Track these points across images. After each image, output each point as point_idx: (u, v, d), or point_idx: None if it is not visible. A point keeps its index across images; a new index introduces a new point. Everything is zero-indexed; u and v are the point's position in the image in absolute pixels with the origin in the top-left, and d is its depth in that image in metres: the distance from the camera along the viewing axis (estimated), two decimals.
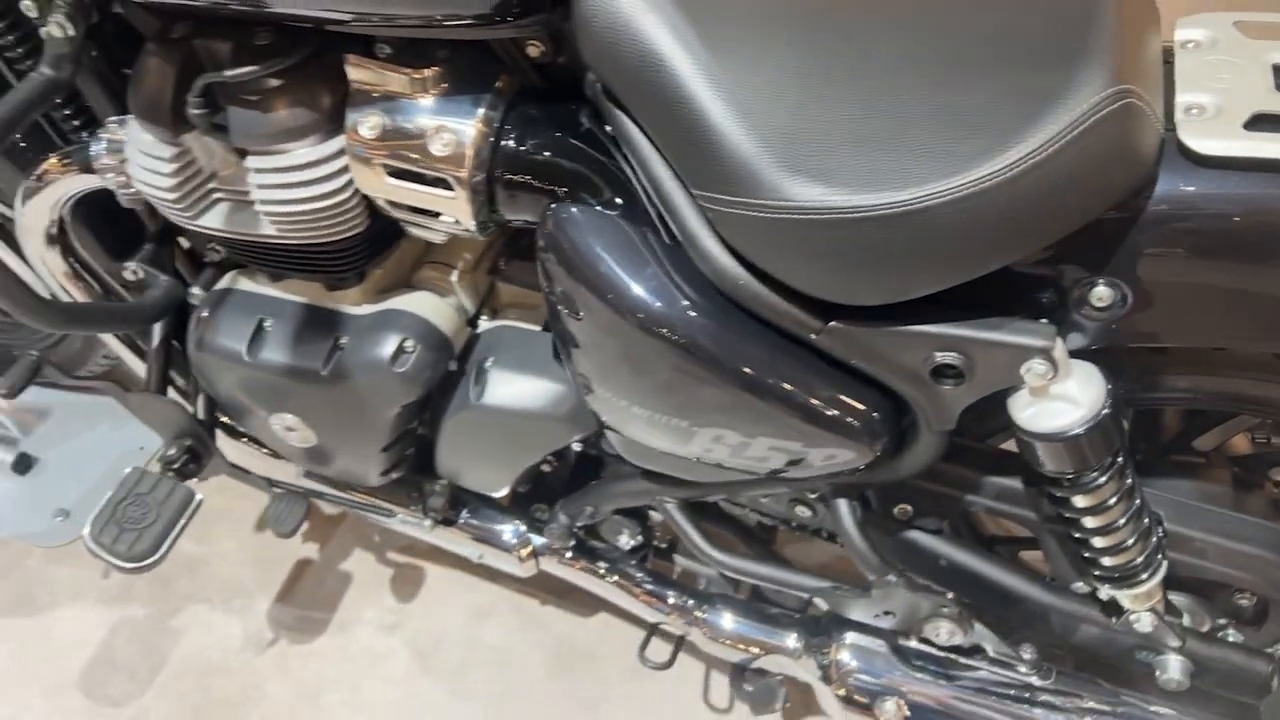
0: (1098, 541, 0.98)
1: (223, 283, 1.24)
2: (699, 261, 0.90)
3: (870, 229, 0.77)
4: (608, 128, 0.94)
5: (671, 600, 1.38)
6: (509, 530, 1.43)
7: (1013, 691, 1.20)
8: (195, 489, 1.34)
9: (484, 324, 1.24)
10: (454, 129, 0.94)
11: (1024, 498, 1.07)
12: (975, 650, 1.22)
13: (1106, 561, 1.00)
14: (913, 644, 1.24)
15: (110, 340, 1.44)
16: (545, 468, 1.39)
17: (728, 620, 1.34)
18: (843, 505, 1.11)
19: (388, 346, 1.14)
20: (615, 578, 1.41)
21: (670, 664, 1.44)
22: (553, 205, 0.95)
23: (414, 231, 1.08)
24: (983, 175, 0.73)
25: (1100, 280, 0.83)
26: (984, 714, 1.19)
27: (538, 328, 1.22)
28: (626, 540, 1.40)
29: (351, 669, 1.67)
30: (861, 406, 0.94)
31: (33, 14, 1.04)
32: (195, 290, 1.26)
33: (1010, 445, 1.11)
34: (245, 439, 1.44)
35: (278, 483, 1.49)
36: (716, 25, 0.83)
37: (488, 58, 0.97)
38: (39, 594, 1.78)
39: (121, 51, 1.09)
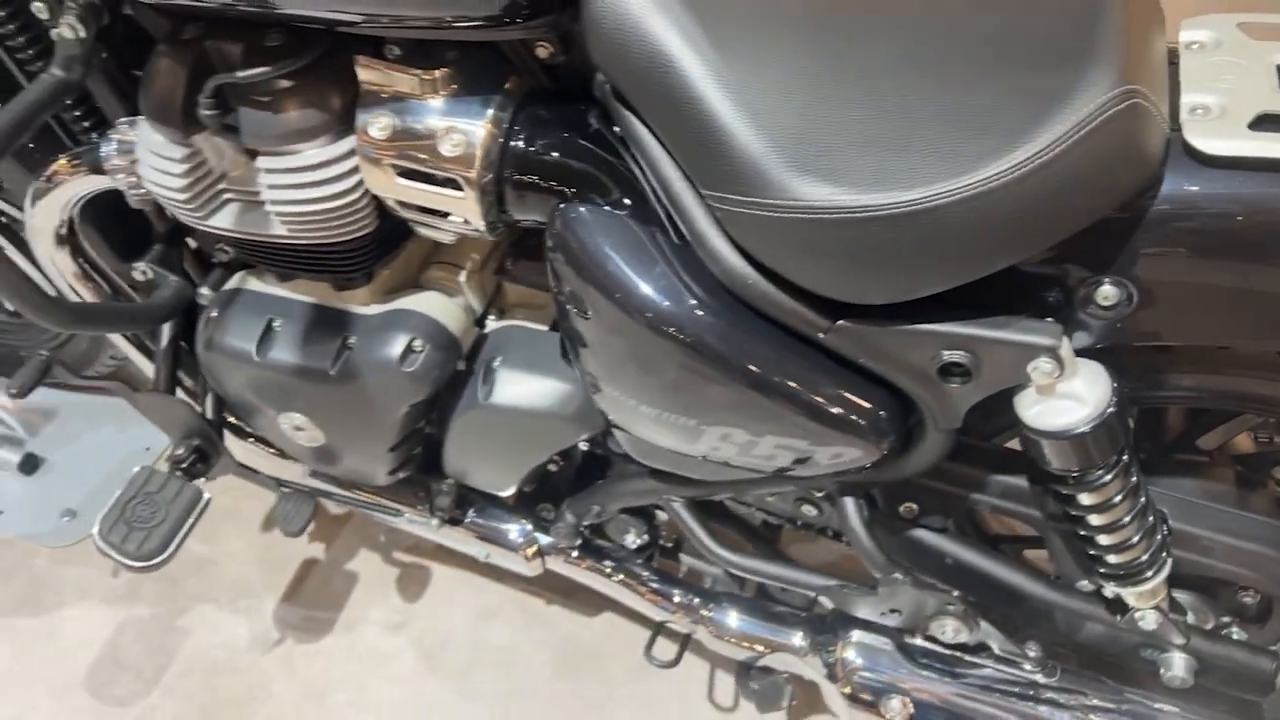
0: (1103, 539, 0.99)
1: (231, 283, 1.25)
2: (707, 261, 0.90)
3: (878, 228, 0.77)
4: (616, 128, 0.95)
5: (677, 599, 1.39)
6: (515, 529, 1.44)
7: (1018, 689, 1.20)
8: (203, 488, 1.35)
9: (491, 324, 1.25)
10: (464, 130, 0.95)
11: (1029, 496, 1.07)
12: (980, 648, 1.23)
13: (1112, 559, 1.00)
14: (918, 642, 1.25)
15: (119, 340, 1.44)
16: (551, 467, 1.40)
17: (734, 618, 1.35)
18: (849, 504, 1.12)
19: (396, 346, 1.14)
20: (621, 576, 1.42)
21: (676, 662, 1.45)
22: (561, 205, 0.96)
23: (423, 231, 1.08)
24: (990, 175, 0.74)
25: (1106, 279, 0.83)
26: (989, 711, 1.20)
27: (544, 328, 1.22)
28: (632, 539, 1.40)
29: (358, 668, 1.67)
30: (868, 405, 0.94)
31: (44, 16, 1.05)
32: (204, 291, 1.27)
33: (1015, 444, 1.12)
34: (252, 439, 1.45)
35: (285, 482, 1.50)
36: (725, 27, 0.84)
37: (497, 59, 0.98)
38: (45, 594, 1.79)
39: (131, 53, 1.10)
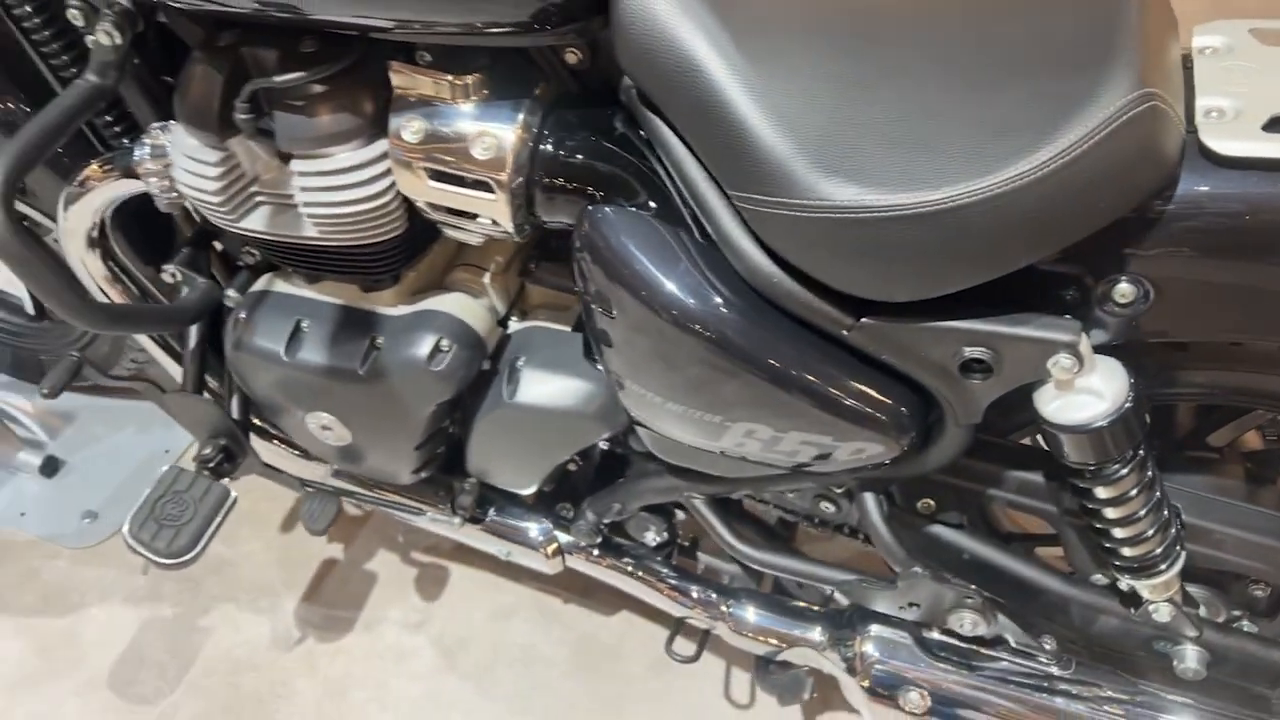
0: (1119, 532, 1.01)
1: (259, 285, 1.27)
2: (733, 260, 0.92)
3: (904, 227, 0.79)
4: (641, 132, 0.97)
5: (696, 595, 1.41)
6: (536, 528, 1.46)
7: (1034, 681, 1.22)
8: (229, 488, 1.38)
9: (514, 325, 1.27)
10: (495, 134, 0.97)
11: (1045, 491, 1.09)
12: (997, 641, 1.25)
13: (1127, 552, 1.02)
14: (936, 636, 1.27)
15: (146, 342, 1.46)
16: (570, 467, 1.42)
17: (752, 614, 1.37)
18: (869, 499, 1.14)
19: (424, 346, 1.16)
20: (641, 574, 1.44)
21: (696, 658, 1.47)
22: (589, 207, 0.98)
23: (451, 233, 1.10)
24: (1013, 175, 0.76)
25: (1123, 277, 0.85)
26: (1006, 704, 1.22)
27: (567, 328, 1.24)
28: (652, 537, 1.42)
29: (378, 666, 1.69)
30: (890, 401, 0.96)
31: (79, 23, 1.08)
32: (231, 293, 1.29)
33: (1029, 441, 1.15)
34: (277, 439, 1.47)
35: (309, 482, 1.52)
36: (751, 32, 0.86)
37: (526, 65, 1.00)
38: (68, 594, 1.81)
39: (163, 59, 1.12)
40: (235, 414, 1.38)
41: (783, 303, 0.92)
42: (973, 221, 0.78)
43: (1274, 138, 0.79)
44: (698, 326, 0.94)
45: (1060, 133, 0.75)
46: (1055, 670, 1.22)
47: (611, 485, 1.35)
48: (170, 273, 1.30)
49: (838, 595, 1.34)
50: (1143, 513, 0.99)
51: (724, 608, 1.38)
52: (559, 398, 1.20)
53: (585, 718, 1.62)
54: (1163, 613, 1.10)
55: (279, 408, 1.31)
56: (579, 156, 0.99)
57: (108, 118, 1.23)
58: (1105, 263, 0.85)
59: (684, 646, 1.47)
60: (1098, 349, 0.89)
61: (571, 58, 0.98)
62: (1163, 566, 1.03)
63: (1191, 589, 1.19)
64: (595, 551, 1.44)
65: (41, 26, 1.14)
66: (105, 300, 1.35)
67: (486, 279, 1.22)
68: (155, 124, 1.15)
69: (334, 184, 1.02)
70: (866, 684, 1.27)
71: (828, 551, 1.39)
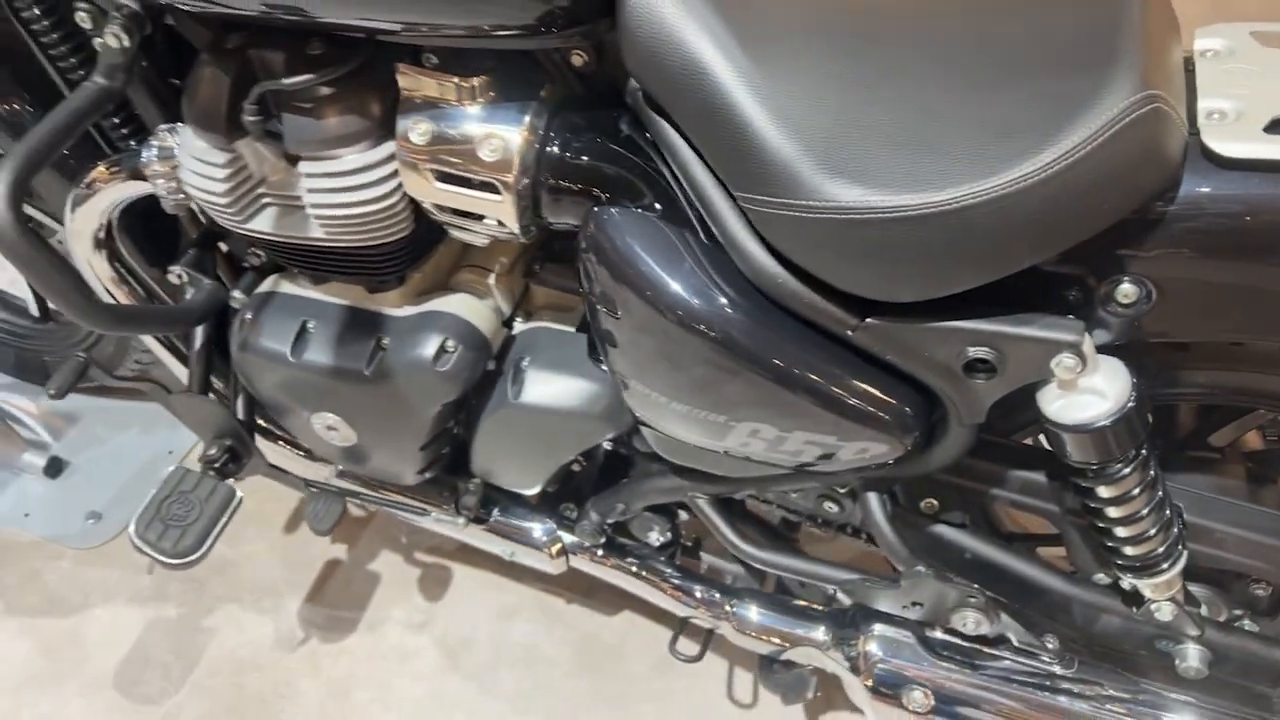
0: (1121, 531, 1.01)
1: (264, 286, 1.27)
2: (738, 261, 0.93)
3: (909, 228, 0.80)
4: (647, 133, 0.97)
5: (700, 595, 1.41)
6: (539, 528, 1.46)
7: (1036, 680, 1.23)
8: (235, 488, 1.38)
9: (519, 325, 1.28)
10: (502, 135, 0.98)
11: (1048, 491, 1.10)
12: (1000, 640, 1.25)
13: (1129, 551, 1.03)
14: (939, 635, 1.27)
15: (151, 343, 1.47)
16: (575, 467, 1.43)
17: (756, 613, 1.38)
18: (873, 499, 1.15)
19: (430, 346, 1.17)
20: (645, 574, 1.44)
21: (700, 657, 1.48)
22: (595, 208, 0.99)
23: (456, 234, 1.11)
24: (1018, 176, 0.76)
25: (1125, 278, 0.86)
26: (1009, 702, 1.23)
27: (572, 329, 1.25)
28: (656, 537, 1.43)
29: (381, 666, 1.70)
30: (894, 401, 0.97)
31: (87, 25, 1.08)
32: (236, 294, 1.29)
33: (1032, 441, 1.15)
34: (281, 440, 1.47)
35: (314, 482, 1.52)
36: (756, 34, 0.87)
37: (532, 67, 1.00)
38: (72, 595, 1.82)
39: (171, 61, 1.13)
40: (240, 414, 1.39)
41: (788, 303, 0.93)
42: (977, 222, 0.78)
43: (1275, 139, 0.79)
44: (703, 327, 0.94)
45: (1064, 134, 0.76)
46: (1058, 669, 1.23)
47: (615, 485, 1.36)
48: (176, 274, 1.31)
49: (841, 595, 1.35)
50: (1145, 512, 0.99)
51: (727, 607, 1.39)
52: (563, 398, 1.21)
53: (588, 718, 1.63)
54: (1165, 612, 1.10)
55: (284, 408, 1.32)
56: (585, 158, 0.99)
57: (115, 120, 1.23)
58: (1108, 263, 0.86)
59: (687, 646, 1.48)
60: (1100, 349, 0.90)
61: (577, 60, 0.99)
62: (1165, 566, 1.04)
63: (1193, 588, 1.19)
64: (599, 552, 1.45)
65: (49, 29, 1.15)
66: (111, 301, 1.35)
67: (491, 280, 1.23)
68: (163, 126, 1.15)
69: (341, 185, 1.03)
70: (870, 683, 1.27)
71: (831, 551, 1.39)
